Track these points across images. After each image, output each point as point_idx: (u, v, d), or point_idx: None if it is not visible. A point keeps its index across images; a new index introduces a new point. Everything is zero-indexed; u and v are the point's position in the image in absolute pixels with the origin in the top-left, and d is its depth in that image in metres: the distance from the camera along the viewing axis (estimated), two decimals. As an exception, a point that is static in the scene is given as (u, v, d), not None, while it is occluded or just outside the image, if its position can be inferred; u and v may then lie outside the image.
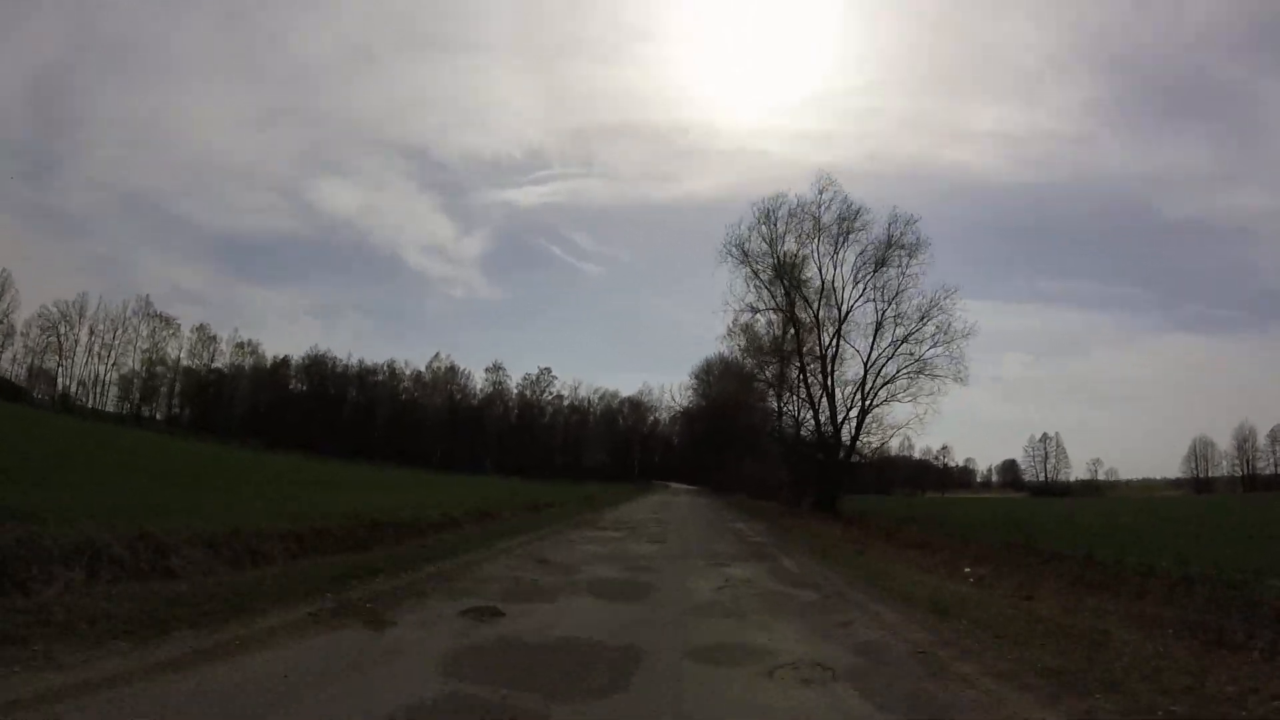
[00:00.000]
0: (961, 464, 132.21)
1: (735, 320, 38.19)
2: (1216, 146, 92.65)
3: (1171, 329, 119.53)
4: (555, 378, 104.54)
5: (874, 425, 32.96)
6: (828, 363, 33.40)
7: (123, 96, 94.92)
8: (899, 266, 31.58)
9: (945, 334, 30.49)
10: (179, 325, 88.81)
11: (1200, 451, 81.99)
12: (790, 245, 33.33)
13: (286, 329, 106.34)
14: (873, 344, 32.02)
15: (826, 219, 32.38)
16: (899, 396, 31.78)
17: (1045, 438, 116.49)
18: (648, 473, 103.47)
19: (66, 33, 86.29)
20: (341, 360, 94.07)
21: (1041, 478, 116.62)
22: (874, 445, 34.45)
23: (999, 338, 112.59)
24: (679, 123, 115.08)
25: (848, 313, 32.96)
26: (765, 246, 33.40)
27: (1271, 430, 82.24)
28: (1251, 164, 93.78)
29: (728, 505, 40.64)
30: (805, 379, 34.86)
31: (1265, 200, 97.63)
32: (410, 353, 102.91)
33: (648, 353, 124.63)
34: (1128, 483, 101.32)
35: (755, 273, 33.88)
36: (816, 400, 34.32)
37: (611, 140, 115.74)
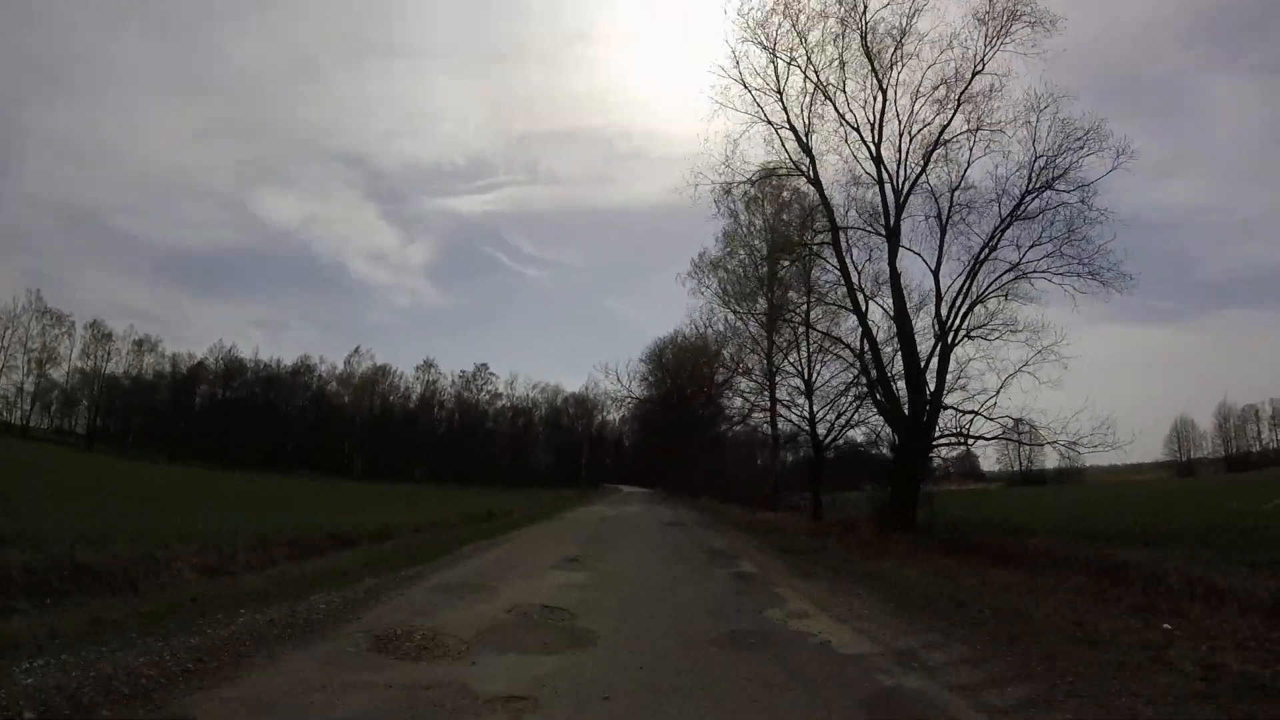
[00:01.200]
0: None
1: (702, 258, 29.91)
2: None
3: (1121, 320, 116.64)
4: (494, 375, 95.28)
5: (960, 380, 18.57)
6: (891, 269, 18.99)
7: (59, 110, 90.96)
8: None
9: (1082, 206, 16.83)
10: (72, 323, 76.79)
11: (1182, 433, 77.95)
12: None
13: (232, 342, 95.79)
14: (943, 238, 18.45)
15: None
16: (994, 329, 18.13)
17: (1019, 423, 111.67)
18: (598, 475, 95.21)
19: (7, 51, 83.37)
20: (253, 360, 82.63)
21: (1016, 467, 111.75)
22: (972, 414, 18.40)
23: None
24: (621, 127, 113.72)
25: (909, 188, 18.75)
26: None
27: (1242, 410, 78.78)
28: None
29: (699, 520, 27.48)
30: (853, 291, 19.70)
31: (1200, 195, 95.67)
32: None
33: (599, 355, 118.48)
34: (1107, 469, 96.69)
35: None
36: (859, 341, 20.59)
37: (554, 146, 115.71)
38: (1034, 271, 17.52)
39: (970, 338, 18.46)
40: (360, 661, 5.53)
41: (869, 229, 19.59)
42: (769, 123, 19.62)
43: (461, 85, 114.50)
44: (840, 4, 18.34)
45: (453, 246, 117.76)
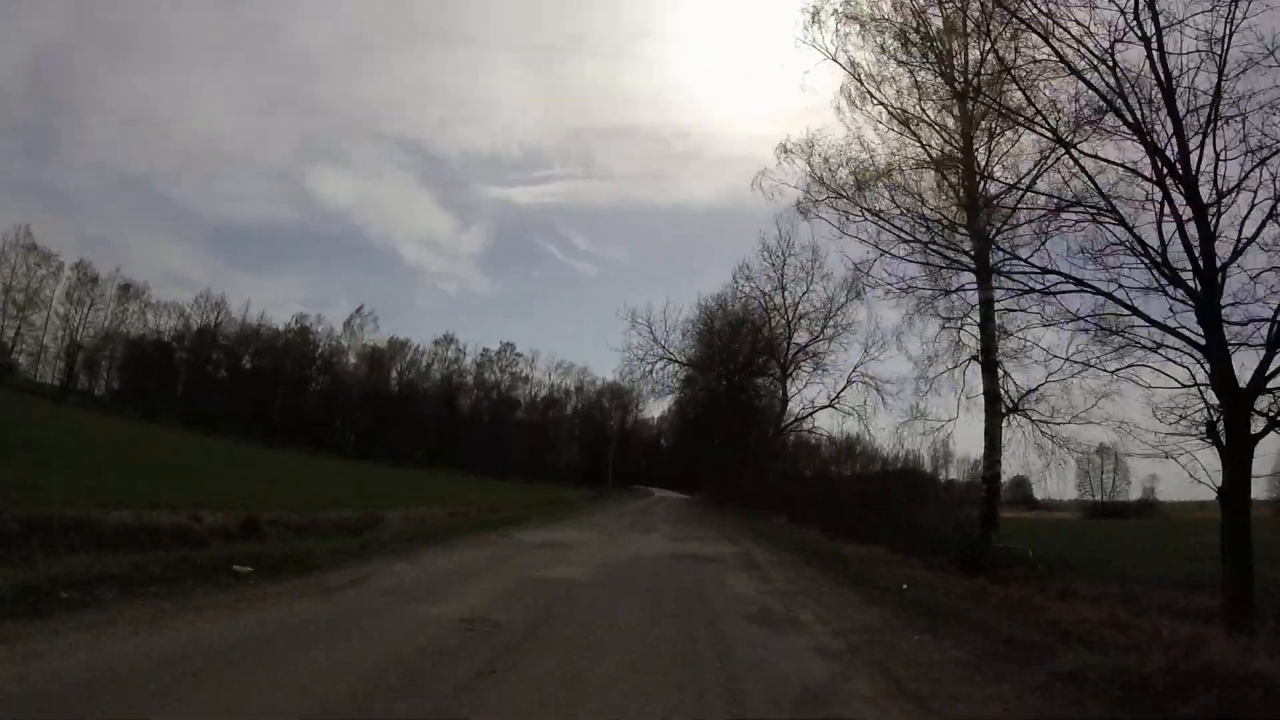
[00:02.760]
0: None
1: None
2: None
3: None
4: (519, 354, 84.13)
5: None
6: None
7: (121, 80, 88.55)
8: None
9: None
10: (60, 263, 68.58)
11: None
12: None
13: (278, 318, 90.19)
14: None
15: None
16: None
17: (1103, 449, 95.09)
18: (629, 475, 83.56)
19: (67, 16, 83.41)
20: (240, 319, 73.05)
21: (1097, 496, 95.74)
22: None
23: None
24: (679, 126, 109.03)
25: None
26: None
27: None
28: None
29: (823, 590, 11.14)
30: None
31: None
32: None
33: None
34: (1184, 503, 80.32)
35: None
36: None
37: (611, 141, 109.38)
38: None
39: None
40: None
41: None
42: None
43: (520, 76, 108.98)
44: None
45: (505, 236, 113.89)
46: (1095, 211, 9.58)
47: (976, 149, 14.31)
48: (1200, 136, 8.54)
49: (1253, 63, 8.09)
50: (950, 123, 14.25)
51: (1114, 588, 10.33)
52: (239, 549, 8.11)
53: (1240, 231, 8.47)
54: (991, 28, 10.75)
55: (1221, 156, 8.46)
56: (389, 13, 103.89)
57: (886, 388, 29.61)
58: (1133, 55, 8.89)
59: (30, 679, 3.69)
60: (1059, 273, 10.38)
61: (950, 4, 12.80)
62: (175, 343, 72.73)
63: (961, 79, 13.08)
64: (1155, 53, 8.62)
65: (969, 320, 14.75)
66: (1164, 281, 8.90)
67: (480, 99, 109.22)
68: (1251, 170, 8.23)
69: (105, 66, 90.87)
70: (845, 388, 32.20)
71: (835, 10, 14.70)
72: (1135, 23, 8.64)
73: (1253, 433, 8.36)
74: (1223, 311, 8.53)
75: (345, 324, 74.34)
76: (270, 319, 74.02)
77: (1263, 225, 8.29)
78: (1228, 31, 8.17)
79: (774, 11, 43.01)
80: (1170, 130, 8.78)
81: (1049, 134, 10.27)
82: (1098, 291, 9.78)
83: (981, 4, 10.93)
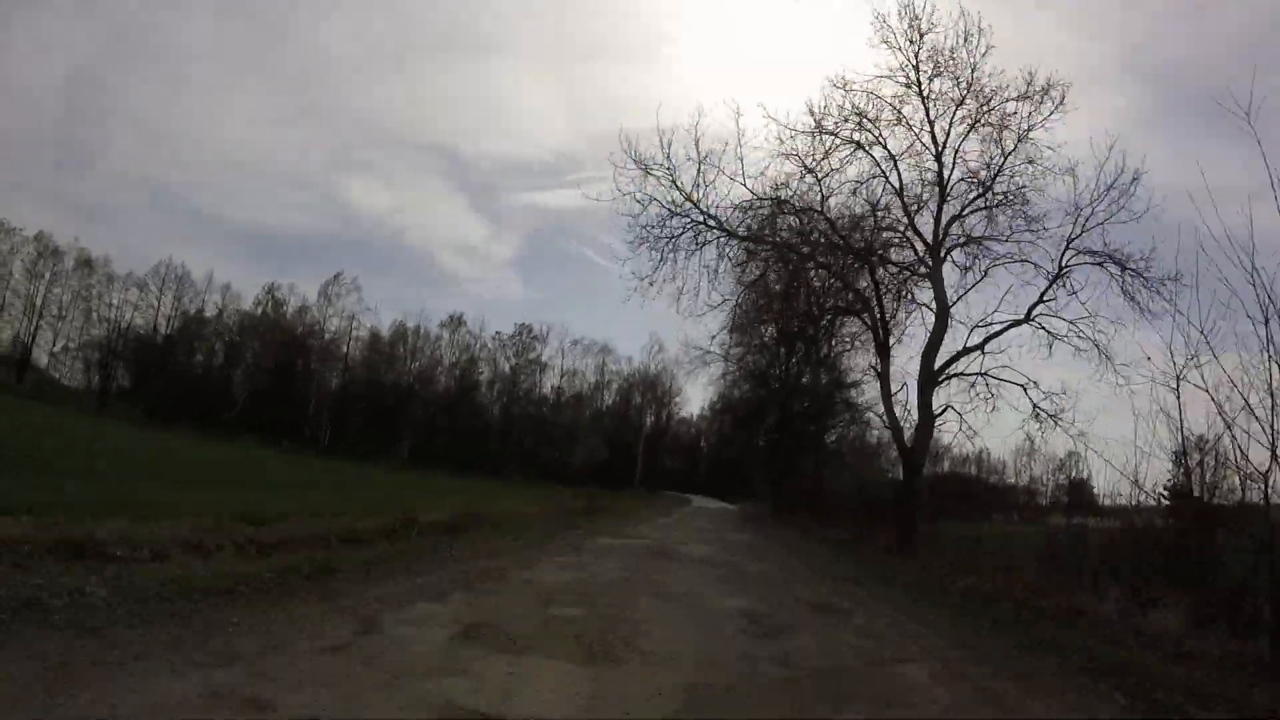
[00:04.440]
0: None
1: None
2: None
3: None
4: (538, 340, 72.80)
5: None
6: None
7: (152, 94, 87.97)
8: None
9: None
10: (21, 234, 60.34)
11: None
12: None
13: (182, 260, 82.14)
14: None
15: None
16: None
17: (1203, 442, 79.23)
18: (661, 478, 71.90)
19: (98, 32, 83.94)
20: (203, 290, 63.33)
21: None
22: None
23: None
24: (708, 128, 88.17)
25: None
26: None
27: None
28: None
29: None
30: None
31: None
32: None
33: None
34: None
35: None
36: None
37: (642, 146, 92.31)
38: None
39: None
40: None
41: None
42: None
43: (548, 83, 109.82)
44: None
45: (540, 241, 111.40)
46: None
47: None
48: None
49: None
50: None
51: None
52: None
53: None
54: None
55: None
56: (414, 24, 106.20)
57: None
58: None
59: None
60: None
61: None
62: (176, 334, 63.40)
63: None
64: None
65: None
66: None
67: (510, 106, 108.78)
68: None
69: (137, 80, 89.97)
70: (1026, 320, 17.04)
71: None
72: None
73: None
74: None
75: (320, 292, 63.92)
76: (239, 293, 64.44)
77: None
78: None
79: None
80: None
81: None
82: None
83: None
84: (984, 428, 24.86)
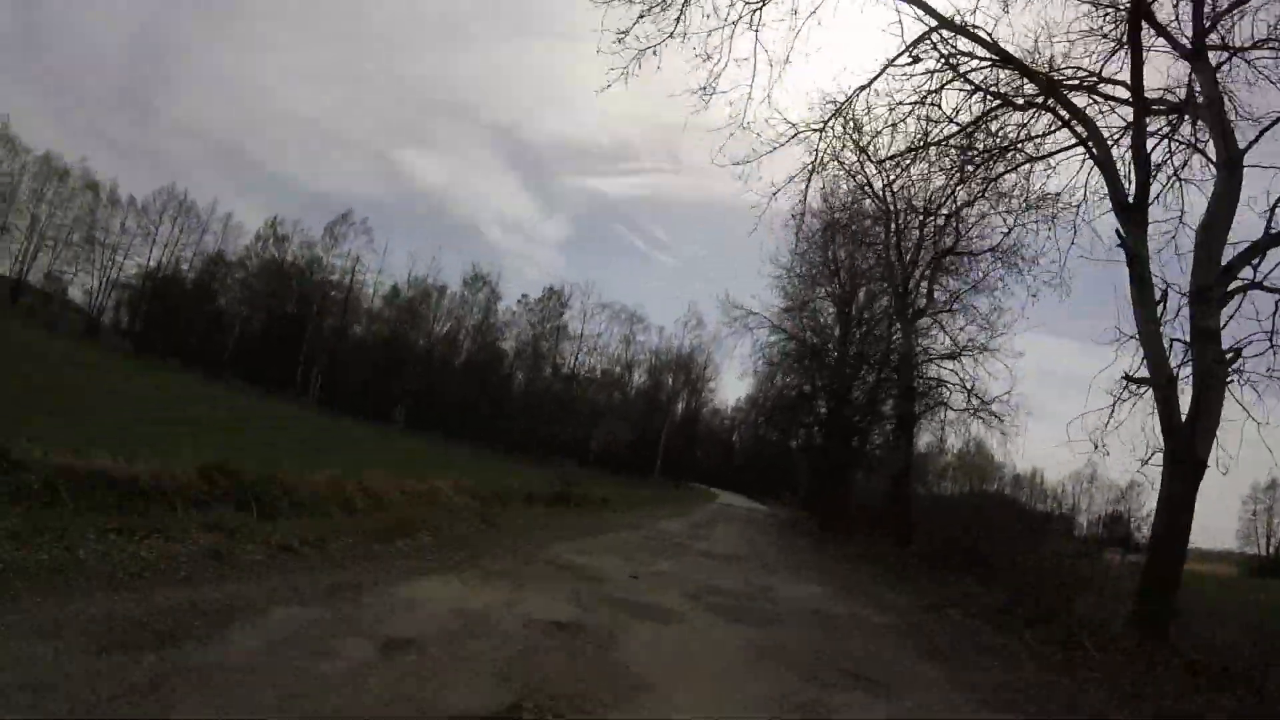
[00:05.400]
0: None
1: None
2: None
3: None
4: (565, 306, 66.21)
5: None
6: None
7: (216, 53, 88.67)
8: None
9: None
10: (31, 154, 56.20)
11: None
12: None
13: (185, 189, 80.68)
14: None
15: None
16: None
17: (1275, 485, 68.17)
18: (690, 470, 65.37)
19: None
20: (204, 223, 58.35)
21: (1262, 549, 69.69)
22: None
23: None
24: (766, 117, 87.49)
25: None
26: None
27: None
28: None
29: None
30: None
31: None
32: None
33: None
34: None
35: None
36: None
37: (697, 136, 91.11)
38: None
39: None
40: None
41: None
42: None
43: (610, 69, 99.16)
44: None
45: (587, 224, 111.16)
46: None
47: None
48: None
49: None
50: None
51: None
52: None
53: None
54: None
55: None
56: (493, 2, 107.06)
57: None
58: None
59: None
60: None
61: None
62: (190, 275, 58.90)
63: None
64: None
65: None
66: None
67: (571, 90, 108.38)
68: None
69: (199, 40, 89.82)
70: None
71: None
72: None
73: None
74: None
75: (326, 230, 58.25)
76: (241, 223, 59.30)
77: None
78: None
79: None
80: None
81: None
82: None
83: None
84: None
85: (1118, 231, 8.45)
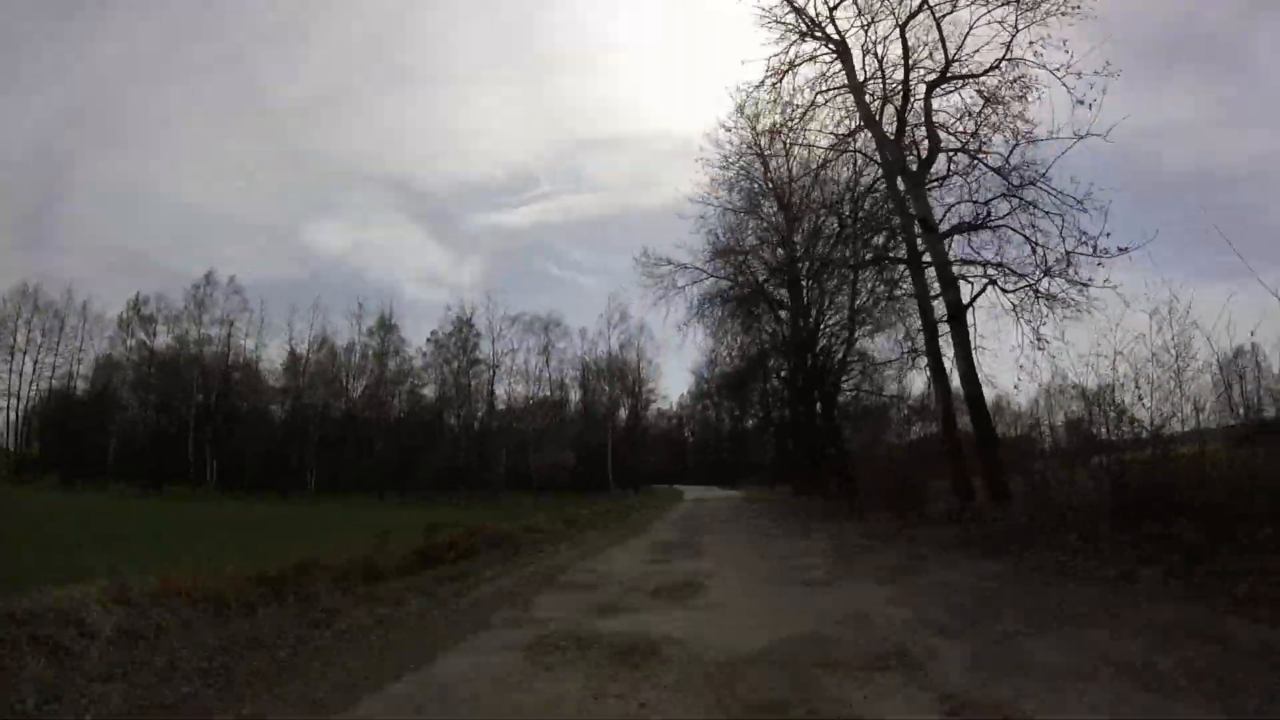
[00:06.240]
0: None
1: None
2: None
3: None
4: (479, 334, 59.68)
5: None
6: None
7: (107, 160, 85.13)
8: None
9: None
10: None
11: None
12: None
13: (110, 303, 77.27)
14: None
15: None
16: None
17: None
18: (642, 477, 60.73)
19: (52, 102, 79.84)
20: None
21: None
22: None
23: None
24: (660, 128, 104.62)
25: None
26: None
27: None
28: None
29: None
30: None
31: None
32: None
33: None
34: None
35: None
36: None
37: (597, 153, 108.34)
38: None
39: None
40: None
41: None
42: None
43: (498, 102, 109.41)
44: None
45: (503, 261, 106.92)
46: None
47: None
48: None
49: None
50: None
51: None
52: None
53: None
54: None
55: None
56: (360, 59, 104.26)
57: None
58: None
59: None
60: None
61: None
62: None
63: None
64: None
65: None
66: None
67: (462, 129, 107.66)
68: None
69: (86, 148, 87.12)
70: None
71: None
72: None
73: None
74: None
75: (189, 297, 50.78)
76: (101, 313, 51.29)
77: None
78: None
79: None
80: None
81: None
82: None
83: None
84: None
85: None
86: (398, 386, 58.77)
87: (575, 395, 63.81)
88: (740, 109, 18.68)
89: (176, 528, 17.22)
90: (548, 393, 62.22)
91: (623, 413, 63.71)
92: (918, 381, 23.71)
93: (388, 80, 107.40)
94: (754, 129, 20.60)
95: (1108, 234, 12.66)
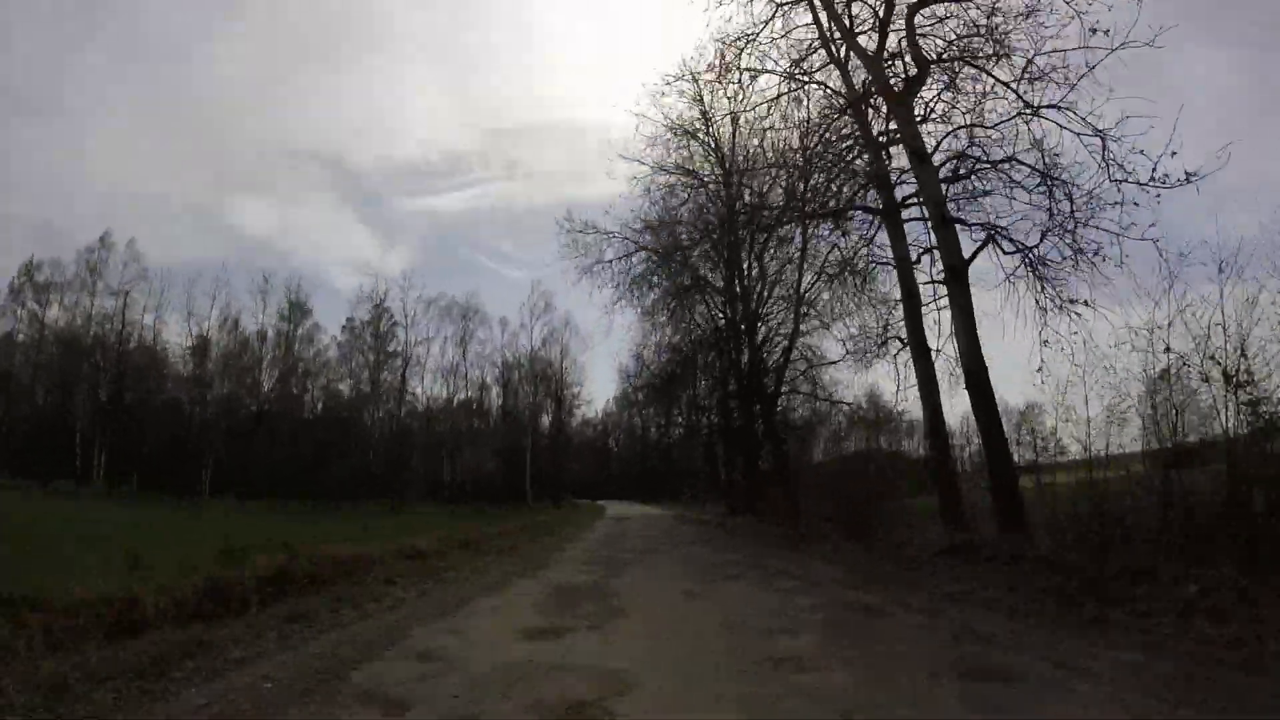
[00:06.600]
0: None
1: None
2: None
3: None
4: (396, 322, 54.06)
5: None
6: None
7: (30, 141, 78.59)
8: None
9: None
10: None
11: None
12: None
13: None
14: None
15: None
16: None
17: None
18: (572, 488, 56.88)
19: None
20: None
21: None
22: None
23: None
24: (595, 120, 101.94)
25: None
26: None
27: None
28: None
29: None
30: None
31: None
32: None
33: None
34: None
35: None
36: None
37: (529, 141, 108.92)
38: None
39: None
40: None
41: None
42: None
43: (431, 84, 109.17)
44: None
45: (433, 251, 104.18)
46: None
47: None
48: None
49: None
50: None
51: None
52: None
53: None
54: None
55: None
56: (292, 38, 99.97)
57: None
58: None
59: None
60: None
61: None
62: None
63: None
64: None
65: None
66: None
67: (396, 109, 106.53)
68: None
69: (16, 122, 78.56)
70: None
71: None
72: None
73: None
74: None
75: (80, 262, 44.26)
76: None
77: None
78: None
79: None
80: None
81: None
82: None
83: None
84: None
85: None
86: (309, 379, 53.03)
87: (496, 397, 59.42)
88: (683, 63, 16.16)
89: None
90: (465, 394, 57.69)
91: (545, 418, 59.69)
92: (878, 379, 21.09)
93: (322, 55, 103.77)
94: (696, 80, 17.70)
95: (1173, 153, 9.73)
